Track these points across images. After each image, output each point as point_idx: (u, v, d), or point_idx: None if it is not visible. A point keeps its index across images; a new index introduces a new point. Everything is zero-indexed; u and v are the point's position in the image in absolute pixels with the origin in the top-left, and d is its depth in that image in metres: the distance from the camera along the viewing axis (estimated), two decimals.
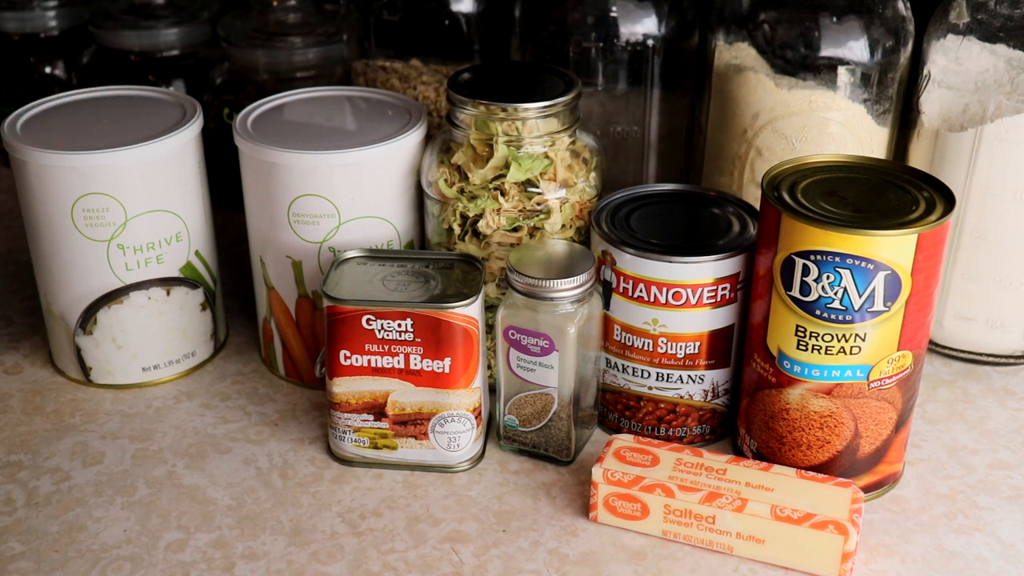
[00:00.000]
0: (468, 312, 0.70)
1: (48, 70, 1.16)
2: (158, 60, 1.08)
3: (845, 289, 0.65)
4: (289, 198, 0.76)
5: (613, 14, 0.86)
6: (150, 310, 0.81)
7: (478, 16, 0.94)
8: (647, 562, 0.67)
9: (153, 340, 0.82)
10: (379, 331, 0.70)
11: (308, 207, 0.76)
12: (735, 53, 0.81)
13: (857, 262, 0.64)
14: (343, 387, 0.72)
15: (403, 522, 0.70)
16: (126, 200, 0.77)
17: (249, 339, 0.89)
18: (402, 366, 0.71)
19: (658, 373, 0.74)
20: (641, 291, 0.72)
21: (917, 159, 0.82)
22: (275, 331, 0.83)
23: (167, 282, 0.81)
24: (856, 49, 0.78)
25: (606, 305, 0.74)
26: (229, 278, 0.93)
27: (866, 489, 0.71)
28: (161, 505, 0.72)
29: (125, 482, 0.74)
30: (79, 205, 0.76)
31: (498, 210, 0.75)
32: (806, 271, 0.65)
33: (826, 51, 0.78)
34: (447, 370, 0.71)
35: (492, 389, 0.78)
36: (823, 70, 0.78)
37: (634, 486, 0.68)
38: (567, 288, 0.70)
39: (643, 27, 0.87)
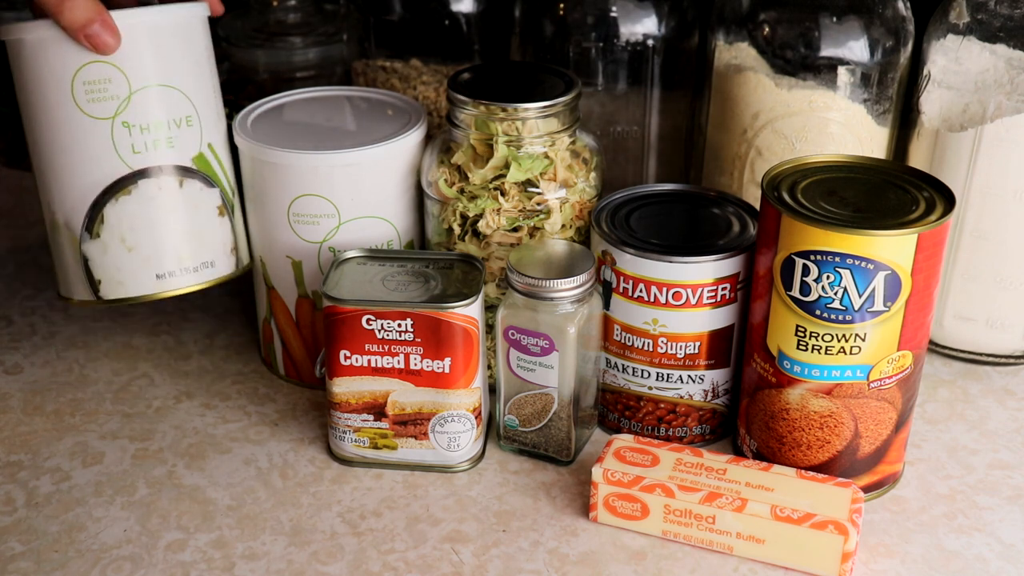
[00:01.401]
0: (468, 312, 0.70)
1: None
2: None
3: (845, 289, 0.65)
4: (289, 198, 0.76)
5: (613, 14, 0.86)
6: (161, 203, 0.75)
7: (478, 16, 0.94)
8: (647, 562, 0.67)
9: (166, 239, 0.75)
10: (379, 331, 0.70)
11: (308, 207, 0.76)
12: (735, 53, 0.81)
13: (857, 262, 0.64)
14: (343, 387, 0.72)
15: (403, 522, 0.70)
16: (129, 70, 0.72)
17: (249, 339, 0.89)
18: (402, 366, 0.71)
19: (658, 373, 0.74)
20: (641, 291, 0.72)
21: (917, 159, 0.82)
22: (275, 331, 0.83)
23: (180, 172, 0.75)
24: (856, 49, 0.78)
25: (606, 305, 0.74)
26: None
27: (866, 489, 0.71)
28: (161, 505, 0.72)
29: (125, 482, 0.74)
30: (79, 78, 0.71)
31: (498, 210, 0.75)
32: (806, 271, 0.65)
33: (826, 51, 0.78)
34: (447, 370, 0.71)
35: (492, 389, 0.78)
36: (823, 70, 0.78)
37: (634, 486, 0.68)
38: (567, 288, 0.70)
39: (643, 27, 0.87)
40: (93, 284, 0.76)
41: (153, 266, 0.76)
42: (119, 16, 0.71)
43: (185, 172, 0.75)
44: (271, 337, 0.83)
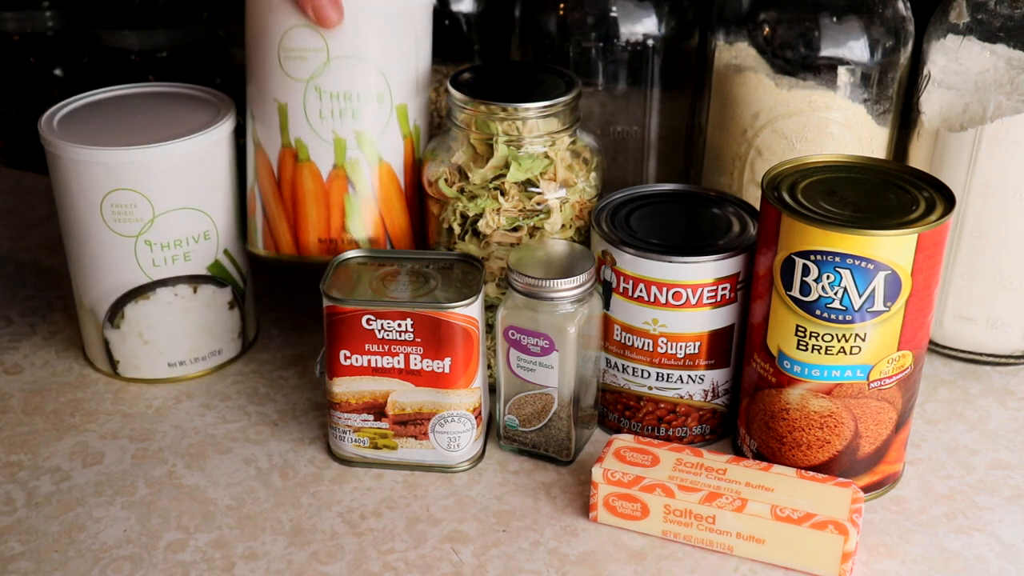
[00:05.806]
0: (468, 312, 0.70)
1: (48, 70, 1.16)
2: (158, 60, 1.08)
3: (845, 289, 0.65)
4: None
5: (613, 14, 0.86)
6: (176, 307, 0.82)
7: (478, 16, 0.94)
8: (647, 562, 0.67)
9: (179, 337, 0.83)
10: (379, 331, 0.70)
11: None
12: (735, 53, 0.81)
13: (857, 262, 0.64)
14: (343, 387, 0.73)
15: (403, 522, 0.70)
16: (154, 197, 0.77)
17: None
18: (402, 366, 0.71)
19: (658, 373, 0.74)
20: (641, 291, 0.72)
21: (917, 159, 0.82)
22: (258, 198, 0.82)
23: (194, 280, 0.81)
24: (856, 49, 0.78)
25: (606, 305, 0.74)
26: None
27: (866, 489, 0.71)
28: (161, 505, 0.72)
29: (125, 482, 0.74)
30: (108, 200, 0.77)
31: (498, 210, 0.75)
32: (806, 271, 0.65)
33: (826, 51, 0.78)
34: (447, 370, 0.71)
35: (492, 389, 0.78)
36: (823, 70, 0.78)
37: (634, 486, 0.68)
38: (567, 288, 0.70)
39: (643, 27, 0.87)
40: (112, 362, 0.84)
41: (166, 357, 0.83)
42: (145, 151, 0.76)
43: (200, 279, 0.82)
44: (254, 210, 0.83)
